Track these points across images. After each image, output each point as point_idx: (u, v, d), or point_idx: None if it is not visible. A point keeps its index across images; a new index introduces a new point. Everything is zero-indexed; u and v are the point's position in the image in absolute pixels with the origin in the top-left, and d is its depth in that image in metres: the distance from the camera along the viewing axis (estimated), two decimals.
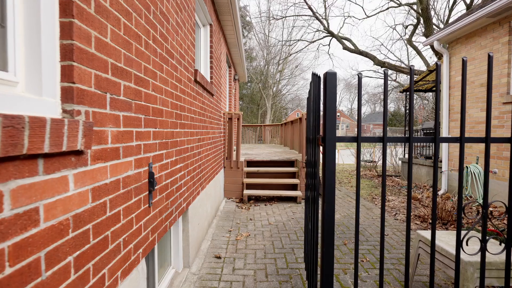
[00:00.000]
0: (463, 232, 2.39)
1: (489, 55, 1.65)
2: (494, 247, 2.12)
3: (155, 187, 1.81)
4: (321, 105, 2.08)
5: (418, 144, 8.15)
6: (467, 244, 1.72)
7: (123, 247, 1.40)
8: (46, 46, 0.95)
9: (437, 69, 1.69)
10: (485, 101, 5.27)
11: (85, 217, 1.08)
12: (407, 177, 1.68)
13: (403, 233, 3.95)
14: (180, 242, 2.78)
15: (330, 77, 1.61)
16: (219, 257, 3.16)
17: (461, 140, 1.74)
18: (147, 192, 1.71)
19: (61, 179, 0.94)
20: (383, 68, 14.71)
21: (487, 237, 1.72)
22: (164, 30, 2.01)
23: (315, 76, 2.06)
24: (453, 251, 2.07)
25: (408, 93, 8.96)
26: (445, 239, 2.32)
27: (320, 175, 2.53)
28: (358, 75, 1.67)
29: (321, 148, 1.98)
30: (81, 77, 1.05)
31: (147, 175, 1.70)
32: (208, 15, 4.12)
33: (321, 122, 1.92)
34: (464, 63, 1.64)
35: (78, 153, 1.03)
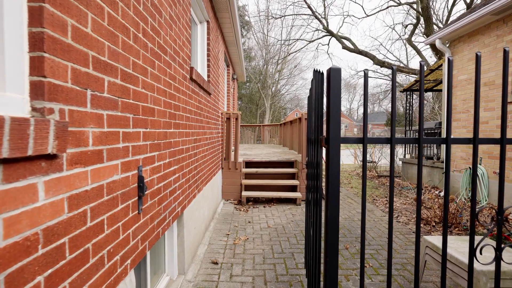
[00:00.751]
0: (476, 239, 2.27)
1: (504, 50, 1.53)
2: (508, 254, 2.00)
3: (146, 192, 1.68)
4: (324, 104, 1.95)
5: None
6: (480, 253, 1.60)
7: (108, 260, 1.27)
8: (11, 34, 0.82)
9: (448, 64, 1.57)
10: (489, 100, 5.16)
11: (60, 230, 0.95)
12: (417, 181, 1.56)
13: (406, 236, 3.84)
14: (174, 248, 2.65)
15: (334, 73, 1.49)
16: (216, 263, 3.03)
17: (475, 141, 1.62)
18: (137, 198, 1.58)
19: (27, 188, 0.81)
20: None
21: (502, 246, 1.60)
22: (156, 23, 1.88)
23: (317, 73, 1.94)
24: (464, 259, 1.95)
25: (408, 92, 8.85)
26: (454, 245, 2.20)
27: (323, 177, 2.40)
28: (364, 71, 1.55)
29: (324, 149, 1.86)
30: (55, 71, 0.92)
31: (136, 180, 1.58)
32: (205, 11, 3.99)
33: (324, 121, 1.80)
34: (478, 58, 1.52)
35: (50, 157, 0.90)
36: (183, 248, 2.69)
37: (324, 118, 1.86)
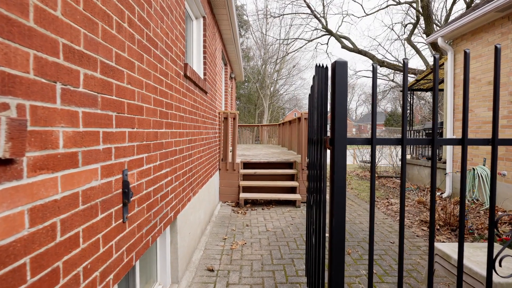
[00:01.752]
0: (486, 246, 2.13)
1: None
2: None
3: (132, 198, 1.52)
4: (328, 101, 1.80)
5: (419, 144, 7.88)
6: (500, 265, 1.46)
7: (84, 278, 1.11)
8: None
9: (465, 58, 1.42)
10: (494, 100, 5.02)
11: (17, 249, 0.80)
12: (430, 186, 1.41)
13: (410, 240, 3.69)
14: (167, 255, 2.49)
15: (340, 67, 1.34)
16: (212, 270, 2.87)
17: (494, 142, 1.47)
18: (121, 205, 1.43)
19: None
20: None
21: None
22: (144, 13, 1.72)
23: (320, 68, 1.79)
24: (478, 269, 1.80)
25: (410, 92, 8.72)
26: (466, 253, 2.05)
27: (326, 181, 2.24)
28: (372, 65, 1.40)
29: (328, 151, 1.71)
30: (10, 58, 0.77)
31: (120, 185, 1.42)
32: (201, 7, 3.83)
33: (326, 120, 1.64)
34: (497, 50, 1.37)
35: (2, 162, 0.75)
36: (177, 255, 2.54)
37: (328, 116, 1.71)
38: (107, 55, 1.29)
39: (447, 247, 2.16)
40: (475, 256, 2.00)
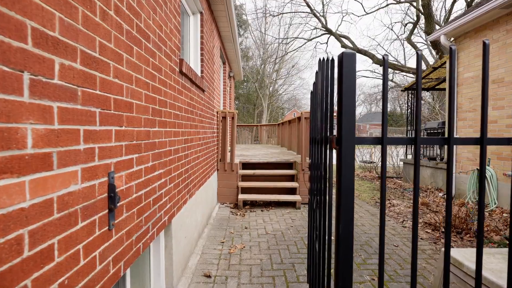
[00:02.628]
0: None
1: None
2: None
3: (119, 203, 1.39)
4: (333, 97, 1.68)
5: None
6: None
7: None
8: None
9: (485, 49, 1.29)
10: (498, 99, 4.91)
11: None
12: (446, 189, 1.28)
13: None
14: (161, 261, 2.35)
15: (348, 59, 1.21)
16: (209, 276, 2.74)
17: None
18: (106, 211, 1.29)
19: None
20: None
21: None
22: (134, 2, 1.59)
23: (325, 62, 1.66)
24: (494, 279, 1.68)
25: (410, 91, 8.62)
26: None
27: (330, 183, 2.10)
28: (383, 57, 1.27)
29: (333, 152, 1.58)
30: None
31: (105, 189, 1.29)
32: (198, 2, 3.69)
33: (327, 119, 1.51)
34: None
35: None
36: (172, 261, 2.40)
37: (333, 113, 1.58)
38: (90, 45, 1.15)
39: (458, 253, 2.03)
40: (489, 263, 1.88)
